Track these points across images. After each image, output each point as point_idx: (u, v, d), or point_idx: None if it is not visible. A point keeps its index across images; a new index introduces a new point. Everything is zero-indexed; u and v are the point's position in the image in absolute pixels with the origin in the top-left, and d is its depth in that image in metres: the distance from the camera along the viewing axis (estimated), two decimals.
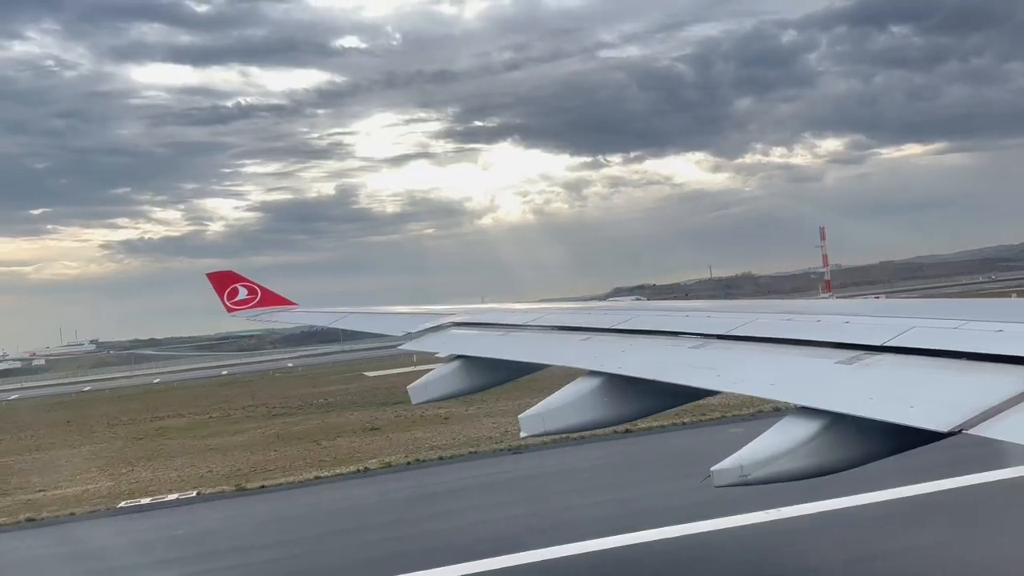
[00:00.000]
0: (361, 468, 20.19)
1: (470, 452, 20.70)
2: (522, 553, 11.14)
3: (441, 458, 20.48)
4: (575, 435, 15.68)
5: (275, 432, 29.19)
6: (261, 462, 23.03)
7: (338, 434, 26.94)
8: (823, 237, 65.64)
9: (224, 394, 49.11)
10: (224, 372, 72.96)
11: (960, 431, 3.16)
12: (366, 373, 51.64)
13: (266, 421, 33.06)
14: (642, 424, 18.95)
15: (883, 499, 11.26)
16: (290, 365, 71.88)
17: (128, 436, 33.31)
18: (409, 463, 20.19)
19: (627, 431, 18.89)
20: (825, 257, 65.29)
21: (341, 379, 49.90)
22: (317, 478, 19.51)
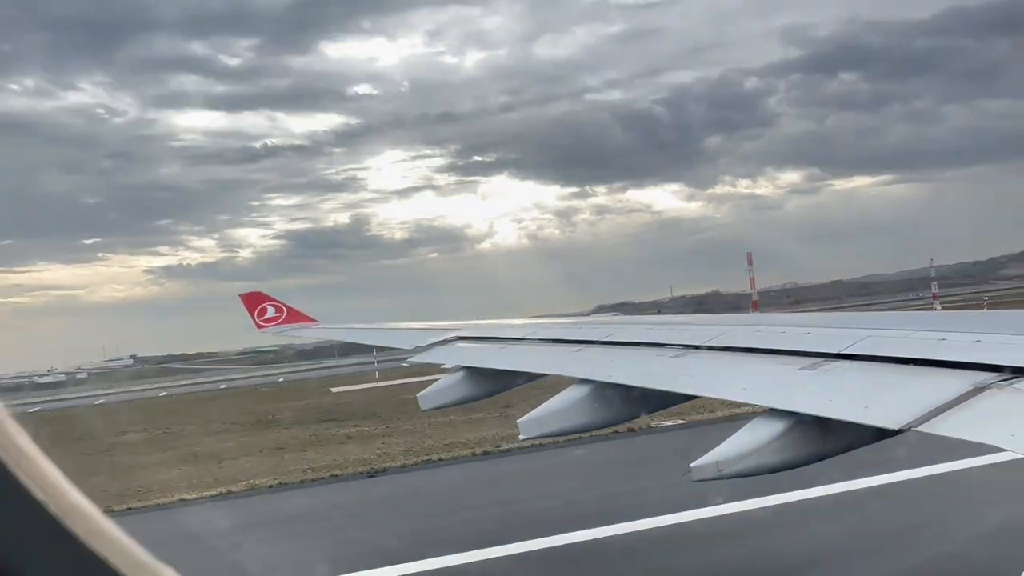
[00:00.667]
0: (223, 491, 17.09)
1: (332, 476, 17.64)
2: (502, 546, 11.02)
3: (302, 481, 17.40)
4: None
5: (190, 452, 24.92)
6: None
7: (241, 453, 22.97)
8: (750, 262, 65.08)
9: (192, 410, 44.47)
10: (223, 386, 70.04)
11: (910, 428, 3.21)
12: (332, 389, 46.82)
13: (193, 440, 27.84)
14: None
15: (841, 490, 11.27)
16: (280, 380, 68.87)
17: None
18: (271, 486, 17.24)
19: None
20: (752, 280, 64.95)
21: (312, 394, 44.99)
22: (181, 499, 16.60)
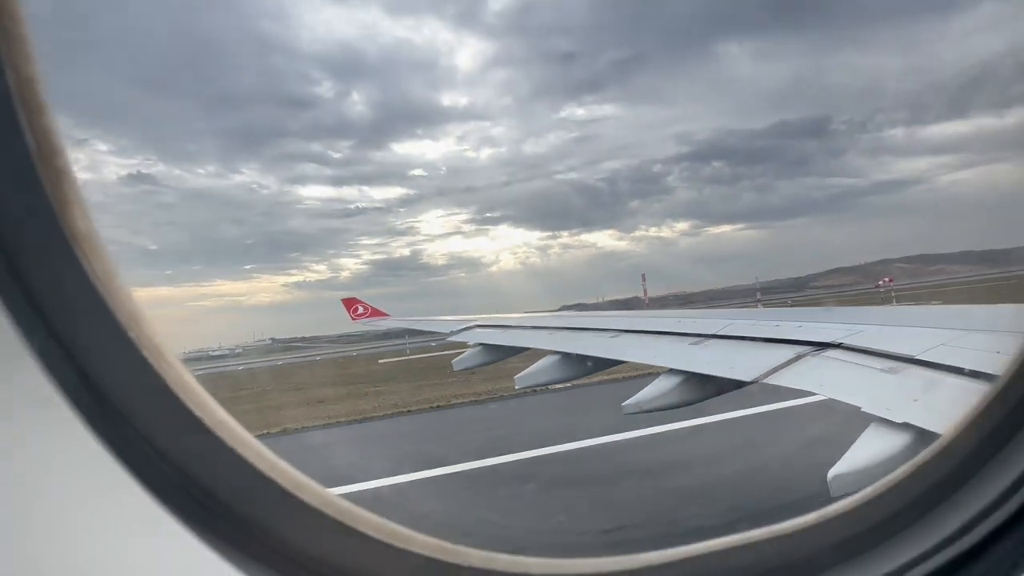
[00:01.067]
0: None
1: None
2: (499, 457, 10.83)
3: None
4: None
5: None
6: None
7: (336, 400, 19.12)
8: (644, 280, 62.79)
9: (304, 372, 36.85)
10: (318, 358, 65.30)
11: (757, 381, 3.22)
12: (380, 360, 37.29)
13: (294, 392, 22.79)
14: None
15: (715, 420, 11.22)
16: (354, 354, 63.71)
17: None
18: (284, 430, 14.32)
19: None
20: (645, 290, 62.44)
21: (364, 362, 37.00)
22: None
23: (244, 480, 0.75)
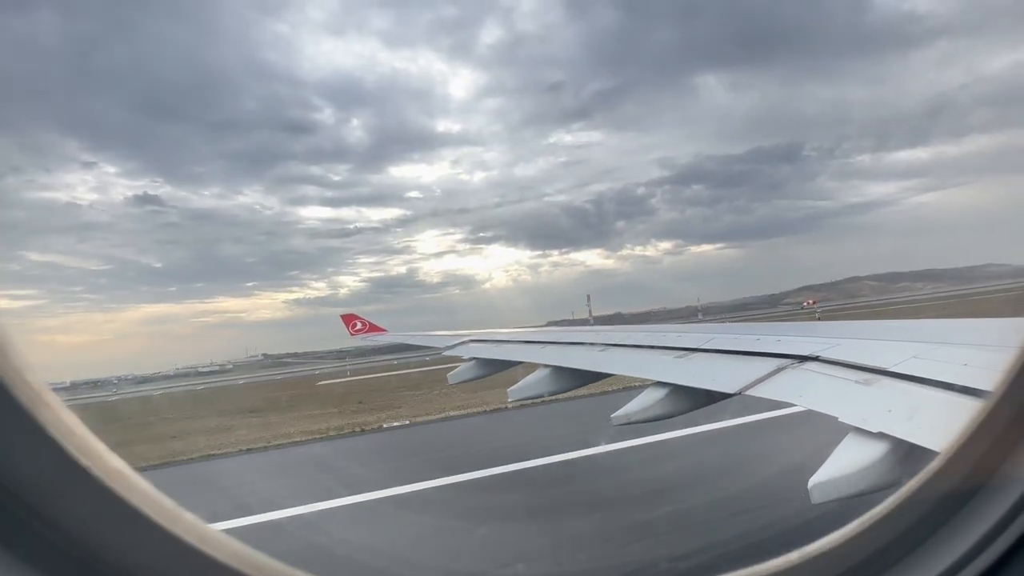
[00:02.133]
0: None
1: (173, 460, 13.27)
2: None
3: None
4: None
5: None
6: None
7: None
8: (589, 300, 62.12)
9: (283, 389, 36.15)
10: (279, 377, 59.98)
11: (740, 392, 3.22)
12: (322, 382, 36.55)
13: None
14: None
15: (699, 431, 11.17)
16: (317, 372, 59.61)
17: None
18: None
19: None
20: (591, 311, 61.68)
21: (305, 385, 35.59)
22: None
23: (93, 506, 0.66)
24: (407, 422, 15.84)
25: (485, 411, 17.96)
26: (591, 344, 5.91)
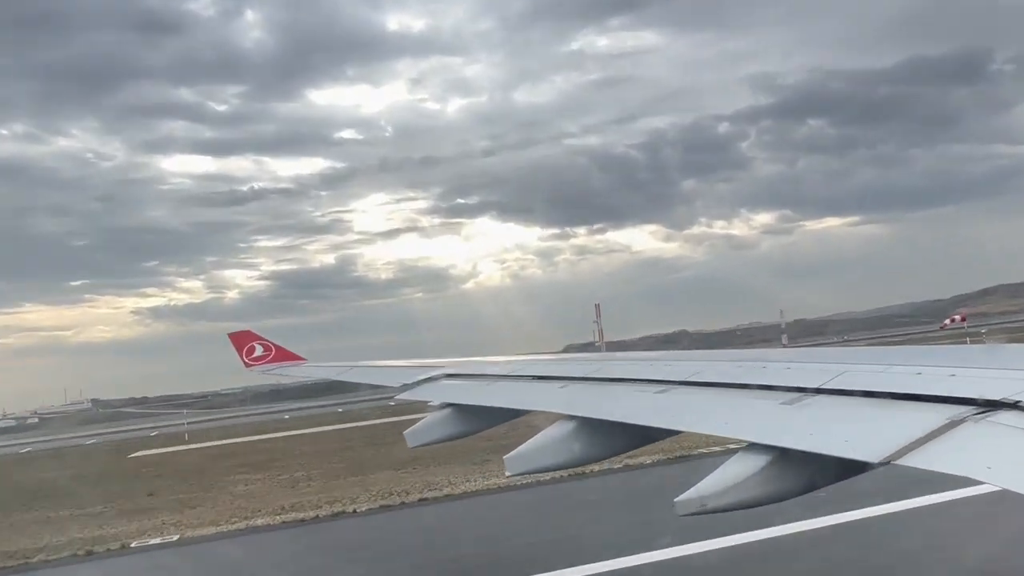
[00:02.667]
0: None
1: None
2: None
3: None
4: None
5: None
6: None
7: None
8: (598, 314, 64.13)
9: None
10: (91, 441, 67.10)
11: (889, 462, 3.21)
12: (137, 453, 45.98)
13: None
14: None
15: (825, 524, 11.22)
16: (153, 434, 65.77)
17: None
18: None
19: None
20: (600, 332, 64.07)
21: (105, 457, 44.56)
22: None
23: None
24: (173, 537, 17.23)
25: (447, 496, 18.90)
26: (642, 381, 5.91)
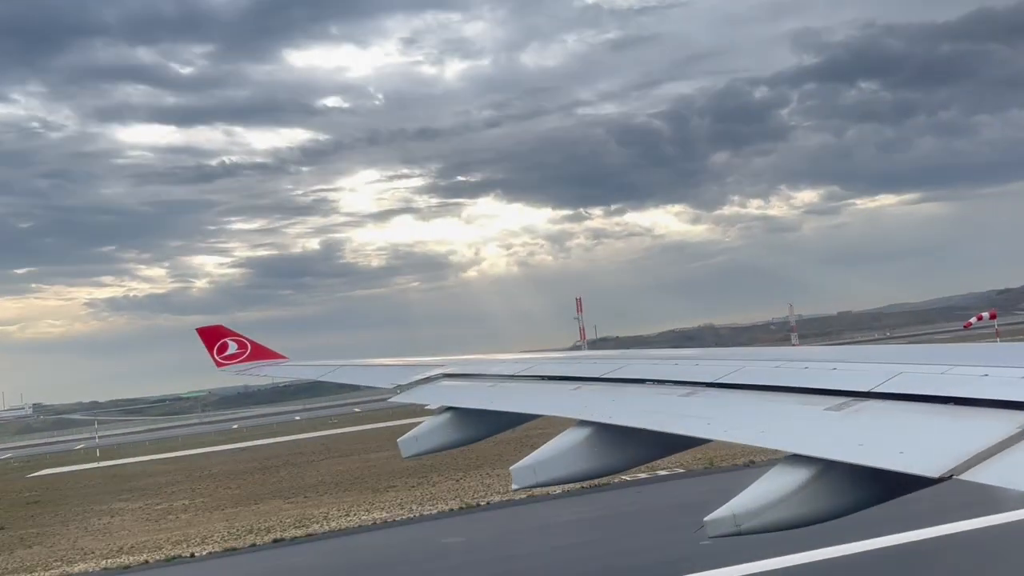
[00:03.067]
0: None
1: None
2: None
3: None
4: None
5: None
6: None
7: None
8: (579, 309, 64.91)
9: None
10: (3, 456, 71.67)
11: (951, 476, 3.16)
12: (40, 472, 50.08)
13: None
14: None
15: (876, 547, 11.17)
16: (79, 447, 69.73)
17: None
18: None
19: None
20: (582, 330, 64.63)
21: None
22: None
23: None
24: None
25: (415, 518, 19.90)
26: (666, 383, 5.87)
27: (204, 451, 51.97)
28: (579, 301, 64.65)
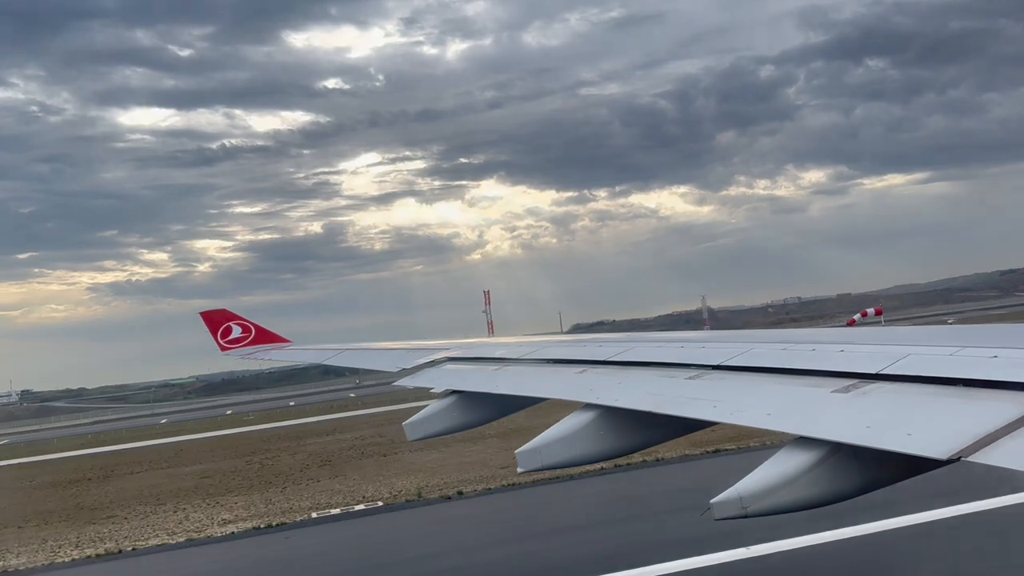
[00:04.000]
0: None
1: None
2: None
3: None
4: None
5: None
6: None
7: None
8: (487, 301, 63.26)
9: None
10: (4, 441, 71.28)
11: (959, 458, 3.16)
12: None
13: None
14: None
15: (884, 528, 11.19)
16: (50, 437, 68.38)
17: None
18: None
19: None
20: (490, 324, 62.78)
21: None
22: None
23: None
24: None
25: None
26: (671, 366, 5.87)
27: (126, 447, 49.78)
28: (487, 294, 63.69)
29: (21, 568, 18.26)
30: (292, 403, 72.47)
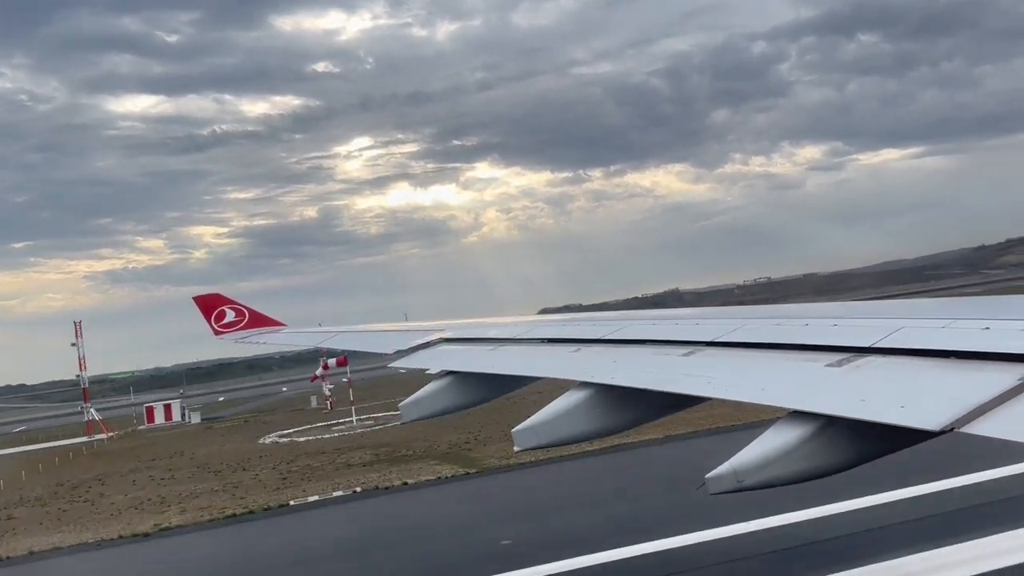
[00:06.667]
0: None
1: None
2: (524, 570, 11.04)
3: None
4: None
5: None
6: None
7: None
8: (79, 334, 54.31)
9: None
10: None
11: (952, 429, 3.18)
12: None
13: None
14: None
15: (879, 501, 11.28)
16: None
17: None
18: None
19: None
20: (81, 360, 55.22)
21: None
22: None
23: None
24: None
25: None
26: (666, 343, 5.89)
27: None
28: (78, 325, 57.19)
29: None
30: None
